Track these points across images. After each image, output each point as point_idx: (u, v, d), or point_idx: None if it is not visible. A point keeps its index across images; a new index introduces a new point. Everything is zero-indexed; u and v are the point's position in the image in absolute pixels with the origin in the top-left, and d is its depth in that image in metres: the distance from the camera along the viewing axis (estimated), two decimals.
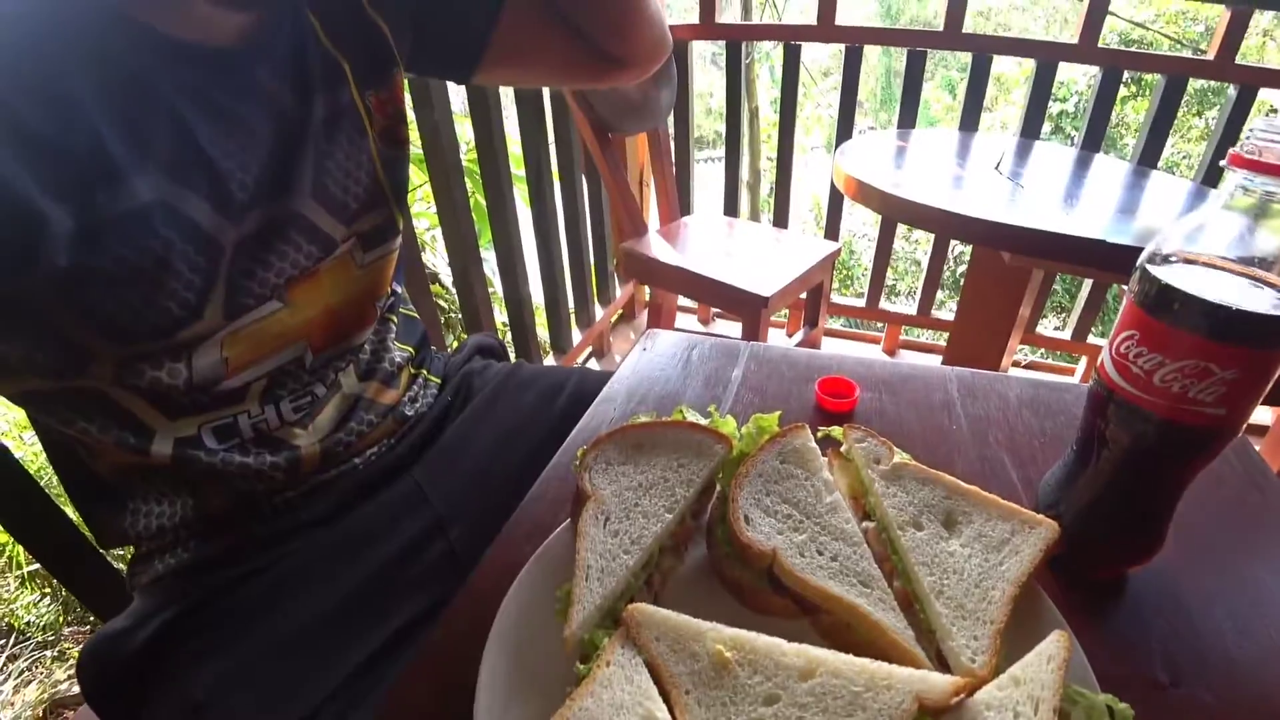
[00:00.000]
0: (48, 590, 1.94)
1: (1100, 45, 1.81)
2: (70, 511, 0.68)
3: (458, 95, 1.94)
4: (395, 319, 0.68)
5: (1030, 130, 1.92)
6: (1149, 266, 0.37)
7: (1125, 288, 0.37)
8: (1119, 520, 0.42)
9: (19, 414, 2.07)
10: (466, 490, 0.64)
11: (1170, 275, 0.36)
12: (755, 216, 5.22)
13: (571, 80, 0.74)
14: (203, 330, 0.48)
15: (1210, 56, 1.74)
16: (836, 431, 0.49)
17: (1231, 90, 1.75)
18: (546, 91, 1.77)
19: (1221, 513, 0.51)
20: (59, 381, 0.46)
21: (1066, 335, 2.22)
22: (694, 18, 2.20)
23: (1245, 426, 0.37)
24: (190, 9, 0.44)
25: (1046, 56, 1.88)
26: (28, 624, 1.85)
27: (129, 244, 0.42)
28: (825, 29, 2.09)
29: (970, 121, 1.97)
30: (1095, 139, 1.88)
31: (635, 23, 0.64)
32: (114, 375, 0.46)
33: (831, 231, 2.25)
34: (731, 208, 2.36)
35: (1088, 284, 2.13)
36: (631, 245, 1.90)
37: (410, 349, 0.70)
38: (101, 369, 0.46)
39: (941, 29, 1.93)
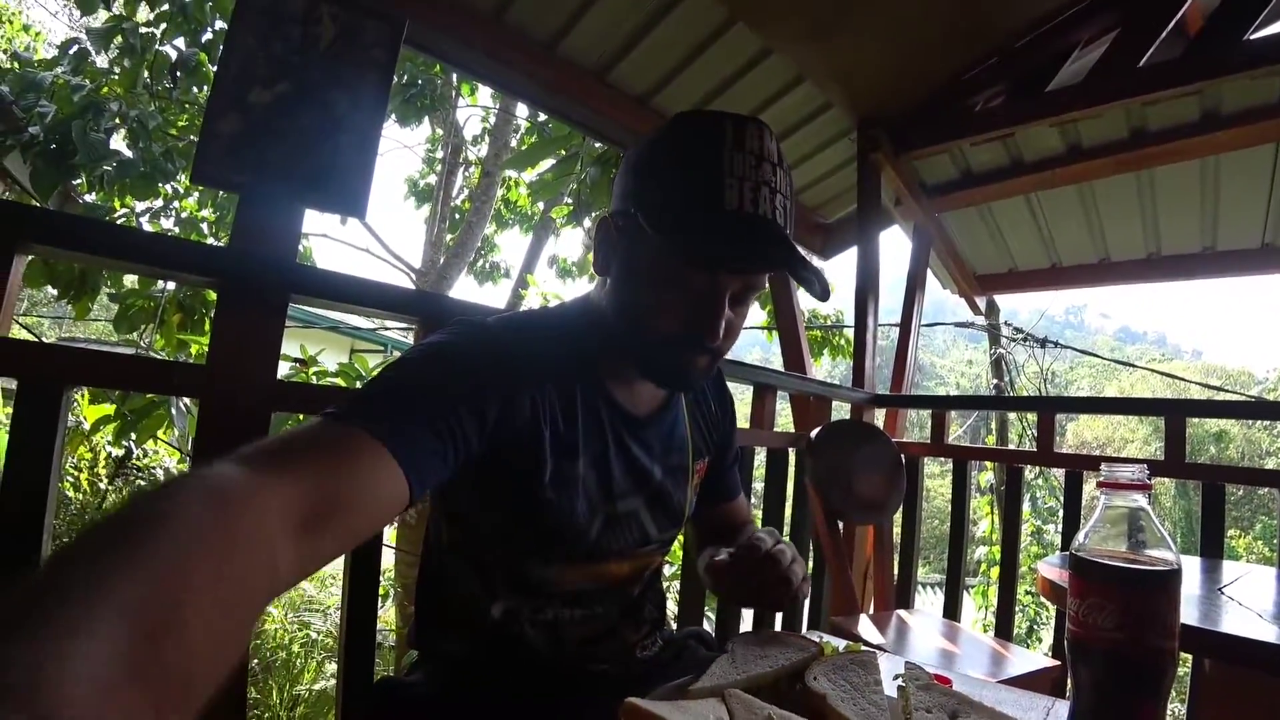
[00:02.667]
0: None
1: None
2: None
3: None
4: (654, 592, 0.99)
5: None
6: (1073, 550, 0.60)
7: None
8: None
9: None
10: None
11: (1080, 552, 0.59)
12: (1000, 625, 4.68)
13: None
14: (569, 557, 0.83)
15: None
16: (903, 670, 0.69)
17: None
18: (791, 474, 2.19)
19: None
20: (479, 545, 0.84)
21: None
22: (927, 436, 2.61)
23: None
24: (632, 393, 0.84)
25: None
26: None
27: (568, 493, 0.77)
28: (1045, 455, 2.34)
29: (1213, 548, 1.92)
30: None
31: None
32: (507, 559, 0.81)
33: (1059, 650, 2.12)
34: (952, 611, 2.39)
35: None
36: (840, 621, 2.05)
37: (658, 615, 1.00)
38: (505, 553, 0.81)
39: (1163, 458, 2.07)
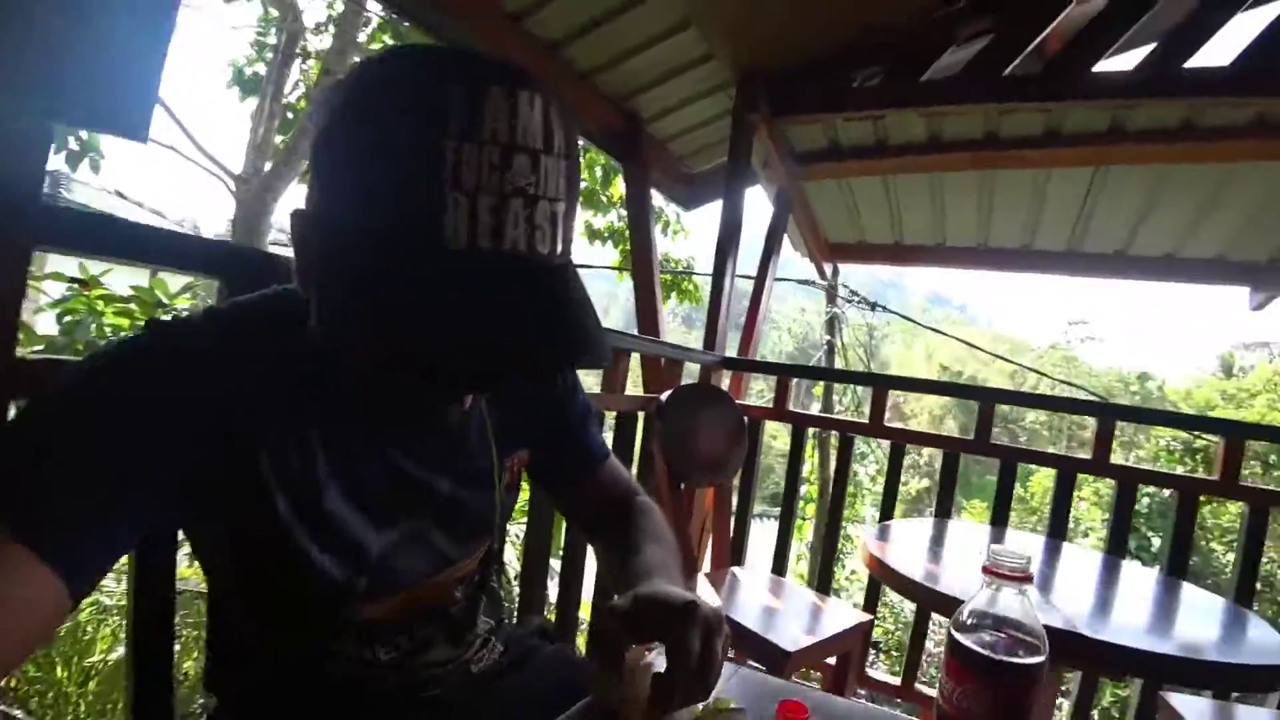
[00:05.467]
0: None
1: (1113, 461, 2.12)
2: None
3: None
4: (484, 599, 0.86)
5: (1057, 532, 2.13)
6: (952, 628, 0.59)
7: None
8: None
9: None
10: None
11: (961, 634, 0.58)
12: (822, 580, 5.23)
13: None
14: (346, 600, 0.67)
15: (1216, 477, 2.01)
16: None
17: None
18: (639, 437, 2.17)
19: None
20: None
21: None
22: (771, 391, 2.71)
23: None
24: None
25: (1066, 468, 2.19)
26: None
27: (314, 537, 0.63)
28: (875, 426, 2.52)
29: (1001, 518, 2.20)
30: (1119, 544, 2.06)
31: None
32: (281, 606, 0.67)
33: (870, 604, 2.36)
34: (780, 567, 2.56)
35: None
36: None
37: (493, 622, 0.89)
38: (274, 601, 0.67)
39: (973, 438, 2.30)
